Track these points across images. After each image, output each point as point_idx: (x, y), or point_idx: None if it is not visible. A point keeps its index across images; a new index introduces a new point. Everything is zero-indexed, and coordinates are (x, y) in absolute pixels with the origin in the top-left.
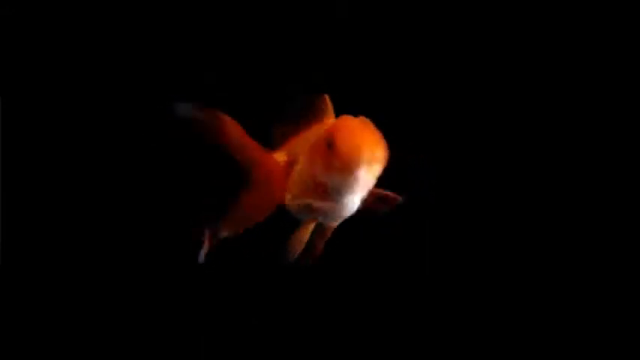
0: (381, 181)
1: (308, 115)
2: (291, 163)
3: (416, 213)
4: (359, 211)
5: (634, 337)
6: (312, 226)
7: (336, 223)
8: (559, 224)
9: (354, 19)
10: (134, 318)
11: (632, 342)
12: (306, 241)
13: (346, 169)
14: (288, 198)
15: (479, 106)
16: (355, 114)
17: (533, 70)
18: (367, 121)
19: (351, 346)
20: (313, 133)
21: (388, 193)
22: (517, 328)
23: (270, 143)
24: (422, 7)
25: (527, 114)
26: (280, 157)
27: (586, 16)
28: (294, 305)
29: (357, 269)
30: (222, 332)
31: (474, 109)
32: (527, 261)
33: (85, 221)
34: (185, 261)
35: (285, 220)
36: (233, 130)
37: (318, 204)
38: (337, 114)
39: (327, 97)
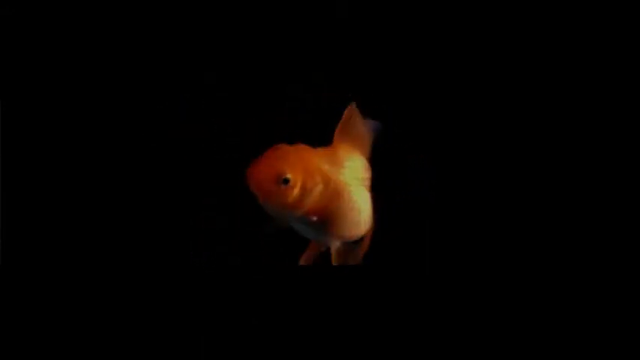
0: (383, 181)
1: None
2: None
3: (416, 213)
4: None
5: (634, 337)
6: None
7: (319, 241)
8: (559, 223)
9: (354, 19)
10: (134, 318)
11: (632, 342)
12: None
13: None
14: None
15: (479, 106)
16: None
17: (532, 70)
18: (286, 148)
19: (351, 347)
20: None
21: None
22: (517, 328)
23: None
24: (422, 7)
25: (527, 114)
26: None
27: (586, 16)
28: (294, 305)
29: (357, 269)
30: (223, 332)
31: (474, 109)
32: (528, 261)
33: (85, 222)
34: (185, 261)
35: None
36: None
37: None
38: (337, 114)
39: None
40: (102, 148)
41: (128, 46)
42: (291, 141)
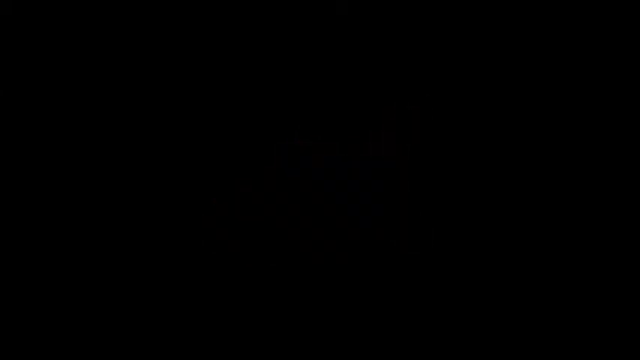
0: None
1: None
2: None
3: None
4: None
5: (634, 337)
6: None
7: None
8: (560, 224)
9: (354, 18)
10: (134, 318)
11: (633, 342)
12: None
13: None
14: None
15: (480, 105)
16: (354, 113)
17: (532, 72)
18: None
19: (351, 347)
20: None
21: None
22: (517, 327)
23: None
24: (422, 6)
25: (527, 115)
26: None
27: (575, 14)
28: (294, 305)
29: (356, 269)
30: (223, 332)
31: (476, 108)
32: (528, 261)
33: (85, 222)
34: (183, 260)
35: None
36: None
37: None
38: (335, 113)
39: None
40: (102, 148)
41: (128, 46)
42: (291, 140)
